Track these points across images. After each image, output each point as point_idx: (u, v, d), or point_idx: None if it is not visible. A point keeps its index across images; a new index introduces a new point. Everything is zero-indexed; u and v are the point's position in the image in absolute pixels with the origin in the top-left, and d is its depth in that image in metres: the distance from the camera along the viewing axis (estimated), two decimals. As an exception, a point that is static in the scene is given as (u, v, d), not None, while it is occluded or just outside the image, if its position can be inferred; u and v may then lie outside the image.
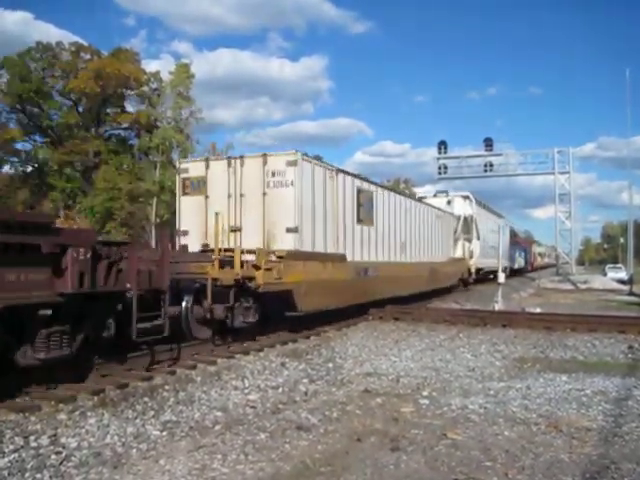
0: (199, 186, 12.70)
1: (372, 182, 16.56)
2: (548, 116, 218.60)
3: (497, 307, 18.83)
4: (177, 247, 12.38)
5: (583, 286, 37.46)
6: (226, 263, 10.21)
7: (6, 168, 49.34)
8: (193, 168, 13.08)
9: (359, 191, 14.74)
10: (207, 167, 12.81)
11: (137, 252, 7.71)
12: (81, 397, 6.67)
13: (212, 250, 10.46)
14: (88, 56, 49.08)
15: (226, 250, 10.73)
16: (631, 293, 30.81)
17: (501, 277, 20.54)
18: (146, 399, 6.87)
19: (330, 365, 9.69)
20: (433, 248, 21.61)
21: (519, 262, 49.64)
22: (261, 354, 9.86)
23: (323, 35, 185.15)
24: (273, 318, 11.76)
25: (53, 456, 5.07)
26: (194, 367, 8.52)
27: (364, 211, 14.98)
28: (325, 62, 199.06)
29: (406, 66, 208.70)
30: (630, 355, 10.80)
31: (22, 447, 5.17)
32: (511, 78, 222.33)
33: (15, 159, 49.93)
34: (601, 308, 21.94)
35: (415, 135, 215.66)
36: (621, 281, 40.88)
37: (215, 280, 9.75)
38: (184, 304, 9.83)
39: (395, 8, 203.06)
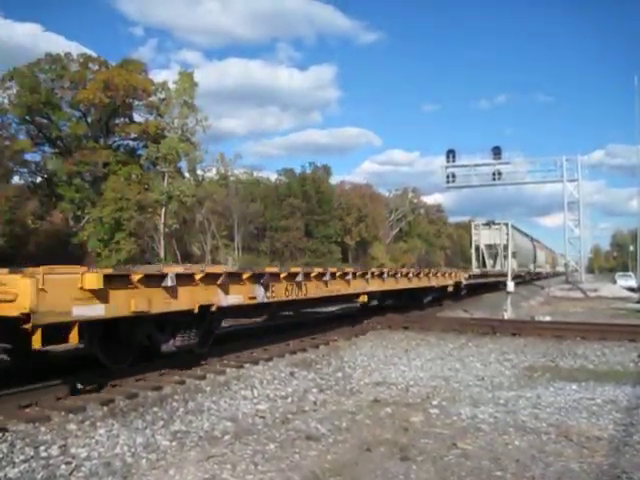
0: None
1: None
2: (557, 124, 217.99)
3: (506, 316, 18.76)
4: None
5: (593, 294, 37.29)
6: None
7: (16, 179, 49.78)
8: None
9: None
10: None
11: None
12: (90, 407, 6.69)
13: None
14: (96, 67, 49.54)
15: None
16: (641, 301, 30.64)
17: (510, 286, 20.46)
18: (155, 409, 6.89)
19: (339, 374, 9.68)
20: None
21: None
22: (270, 364, 9.87)
23: (332, 44, 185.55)
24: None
25: (63, 466, 5.09)
26: (203, 377, 8.53)
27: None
28: (334, 71, 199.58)
29: (415, 75, 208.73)
30: (641, 364, 10.73)
31: (32, 457, 5.20)
32: (520, 85, 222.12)
33: (24, 170, 50.37)
34: (611, 316, 21.85)
35: (424, 143, 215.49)
36: (631, 289, 40.69)
37: None
38: None
39: (405, 17, 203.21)
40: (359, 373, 9.90)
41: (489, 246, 39.81)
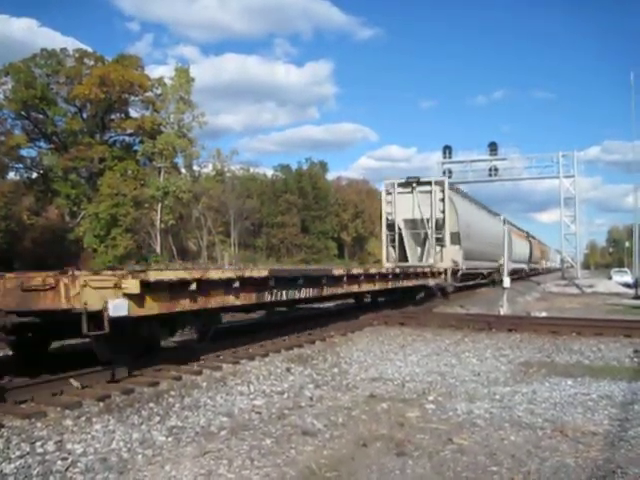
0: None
1: None
2: (553, 120, 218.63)
3: (502, 311, 18.78)
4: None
5: (589, 290, 37.41)
6: None
7: (11, 174, 49.79)
8: None
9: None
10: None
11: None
12: (87, 403, 6.68)
13: None
14: (92, 62, 49.42)
15: None
16: (637, 297, 30.75)
17: (506, 281, 20.47)
18: (152, 405, 6.88)
19: (335, 370, 9.68)
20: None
21: None
22: (266, 359, 9.86)
23: (329, 40, 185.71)
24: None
25: (59, 462, 5.08)
26: (200, 373, 8.52)
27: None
28: (331, 67, 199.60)
29: (412, 71, 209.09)
30: (636, 359, 10.75)
31: (28, 453, 5.18)
32: (517, 82, 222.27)
33: (20, 165, 50.40)
34: (607, 312, 21.89)
35: (421, 139, 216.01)
36: (627, 285, 40.79)
37: None
38: None
39: (402, 14, 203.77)
40: (355, 369, 9.90)
41: (411, 222, 22.53)
